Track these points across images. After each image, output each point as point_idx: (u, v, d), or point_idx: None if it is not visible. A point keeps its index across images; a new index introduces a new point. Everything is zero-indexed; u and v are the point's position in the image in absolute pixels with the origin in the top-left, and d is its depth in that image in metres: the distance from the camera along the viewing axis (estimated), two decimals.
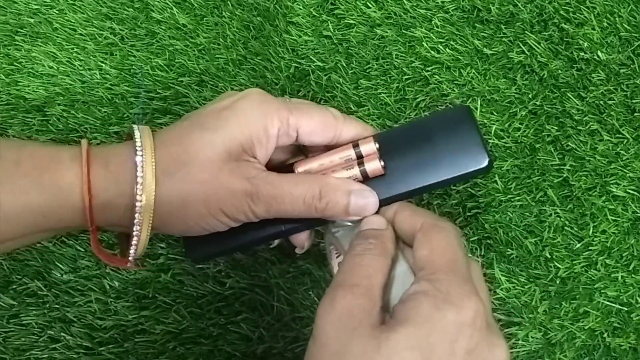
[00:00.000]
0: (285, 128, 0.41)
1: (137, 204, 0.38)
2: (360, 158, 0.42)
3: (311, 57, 0.51)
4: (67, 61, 0.53)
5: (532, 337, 0.44)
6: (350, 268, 0.37)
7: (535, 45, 0.48)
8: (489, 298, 0.39)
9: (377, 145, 0.42)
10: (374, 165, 0.41)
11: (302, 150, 0.45)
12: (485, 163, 0.39)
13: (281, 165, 0.44)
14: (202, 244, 0.43)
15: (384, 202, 0.41)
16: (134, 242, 0.39)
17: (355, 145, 0.42)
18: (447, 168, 0.40)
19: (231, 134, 0.39)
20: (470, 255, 0.46)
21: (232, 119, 0.40)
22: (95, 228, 0.38)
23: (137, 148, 0.38)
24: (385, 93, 0.49)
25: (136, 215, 0.38)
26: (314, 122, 0.41)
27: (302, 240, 0.44)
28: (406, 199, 0.41)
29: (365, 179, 0.41)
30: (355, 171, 0.41)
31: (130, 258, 0.40)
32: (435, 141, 0.40)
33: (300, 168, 0.42)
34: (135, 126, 0.40)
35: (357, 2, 0.51)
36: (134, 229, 0.38)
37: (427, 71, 0.49)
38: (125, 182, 0.38)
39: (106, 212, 0.38)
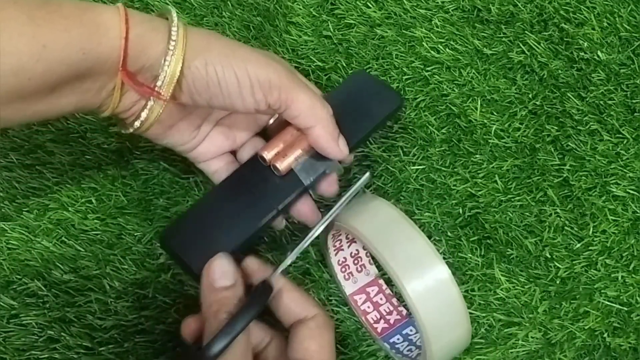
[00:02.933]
0: (273, 101, 0.42)
1: (173, 29, 0.38)
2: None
3: (311, 57, 0.51)
4: None
5: (532, 337, 0.44)
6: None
7: (535, 45, 0.48)
8: None
9: None
10: None
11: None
12: (400, 99, 0.45)
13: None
14: (202, 252, 0.41)
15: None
16: (167, 62, 0.38)
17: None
18: (375, 114, 0.45)
19: (269, 63, 0.40)
20: (470, 254, 0.46)
21: (253, 58, 0.41)
22: (127, 70, 0.38)
23: (173, 17, 0.39)
24: None
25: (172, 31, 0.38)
26: (303, 106, 0.42)
27: (307, 211, 0.44)
28: (354, 150, 0.44)
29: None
30: (305, 144, 0.43)
31: (159, 85, 0.39)
32: (355, 99, 0.45)
33: (266, 153, 0.43)
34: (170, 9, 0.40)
35: (357, 2, 0.51)
36: (169, 45, 0.38)
37: (427, 71, 0.49)
38: (161, 23, 0.39)
39: (141, 47, 0.38)
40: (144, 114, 0.40)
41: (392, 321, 0.46)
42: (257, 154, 0.43)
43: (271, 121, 0.46)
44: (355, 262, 0.47)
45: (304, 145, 0.42)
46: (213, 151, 0.45)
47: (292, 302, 0.40)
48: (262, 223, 0.42)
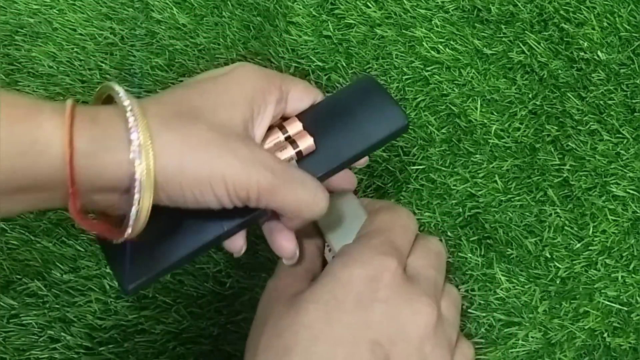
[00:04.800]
0: (280, 95, 0.39)
1: (133, 154, 0.32)
2: (288, 139, 0.40)
3: (311, 57, 0.51)
4: (67, 61, 0.53)
5: (532, 337, 0.44)
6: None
7: (535, 45, 0.48)
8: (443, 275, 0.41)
9: (302, 124, 0.40)
10: (307, 142, 0.39)
11: None
12: (403, 121, 0.40)
13: None
14: (135, 269, 0.37)
15: (321, 179, 0.39)
16: (134, 206, 0.33)
17: (281, 127, 0.40)
18: (372, 133, 0.40)
19: (234, 101, 0.36)
20: (470, 254, 0.46)
21: (234, 85, 0.37)
22: (76, 191, 0.32)
23: (125, 102, 0.33)
24: None
25: (136, 166, 0.32)
26: (299, 87, 0.40)
27: (238, 245, 0.40)
28: (340, 170, 0.40)
29: (300, 157, 0.39)
30: (290, 151, 0.39)
31: (129, 229, 0.34)
32: (353, 111, 0.40)
33: None
34: (111, 84, 0.34)
35: (357, 2, 0.51)
36: (135, 188, 0.32)
37: (427, 71, 0.49)
38: (117, 136, 0.32)
39: (92, 169, 0.32)
40: (128, 231, 0.34)
41: None
42: None
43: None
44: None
45: None
46: None
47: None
48: (199, 245, 0.38)
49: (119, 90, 0.34)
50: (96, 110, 0.33)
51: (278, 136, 0.40)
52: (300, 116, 0.41)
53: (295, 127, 0.40)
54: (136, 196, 0.32)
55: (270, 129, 0.39)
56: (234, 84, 0.37)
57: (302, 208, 0.36)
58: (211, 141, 0.34)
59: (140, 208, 0.33)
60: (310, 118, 0.41)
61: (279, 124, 0.40)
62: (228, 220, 0.38)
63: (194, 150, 0.33)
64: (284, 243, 0.39)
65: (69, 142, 0.31)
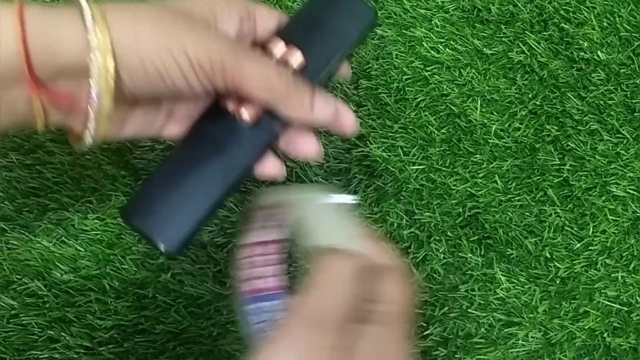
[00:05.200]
0: (245, 11, 0.37)
1: (88, 23, 0.30)
2: (277, 61, 0.39)
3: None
4: None
5: (532, 337, 0.44)
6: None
7: (535, 45, 0.48)
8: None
9: (282, 41, 0.39)
10: (298, 58, 0.39)
11: None
12: (372, 14, 0.41)
13: None
14: (171, 227, 0.36)
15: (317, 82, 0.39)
16: (93, 69, 0.31)
17: (263, 47, 0.39)
18: (347, 33, 0.40)
19: (193, 2, 0.35)
20: (470, 254, 0.46)
21: None
22: (32, 65, 0.30)
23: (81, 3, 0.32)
24: (385, 93, 0.49)
25: (91, 35, 0.30)
26: (264, 8, 0.39)
27: (272, 168, 0.38)
28: (330, 77, 0.40)
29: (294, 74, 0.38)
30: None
31: (93, 96, 0.32)
32: (324, 19, 0.40)
33: (228, 100, 0.38)
34: None
35: None
36: (92, 53, 0.30)
37: (427, 71, 0.49)
38: (69, 12, 0.31)
39: (47, 47, 0.31)
40: (90, 127, 0.33)
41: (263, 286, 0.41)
42: (218, 102, 0.38)
43: None
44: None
45: None
46: (187, 123, 0.39)
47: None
48: (232, 181, 0.37)
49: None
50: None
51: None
52: (278, 34, 0.40)
53: (279, 45, 0.39)
54: (95, 61, 0.31)
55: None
56: (192, 38, 0.34)
57: (271, 84, 0.35)
58: (164, 17, 0.33)
59: (102, 72, 0.31)
60: (288, 35, 0.40)
61: (262, 45, 0.39)
62: (243, 150, 0.37)
63: (147, 23, 0.32)
64: (305, 146, 0.38)
65: (20, 21, 0.29)
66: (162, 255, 0.37)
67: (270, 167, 0.38)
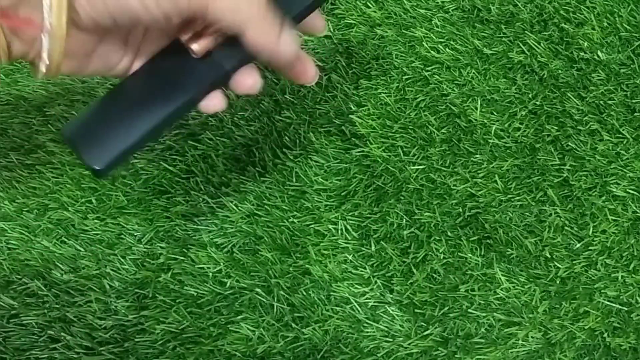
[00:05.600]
0: None
1: None
2: None
3: (311, 56, 0.51)
4: None
5: (532, 337, 0.44)
6: None
7: (535, 45, 0.48)
8: None
9: None
10: None
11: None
12: None
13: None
14: (103, 146, 0.36)
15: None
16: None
17: None
18: None
19: None
20: (470, 254, 0.46)
21: None
22: None
23: None
24: (385, 93, 0.49)
25: None
26: None
27: (215, 103, 0.37)
28: (301, 15, 0.38)
29: None
30: None
31: (46, 17, 0.31)
32: None
33: (182, 34, 0.37)
34: None
35: (357, 2, 0.51)
36: None
37: (427, 71, 0.49)
38: None
39: None
40: (44, 54, 0.33)
41: None
42: (177, 39, 0.37)
43: None
44: None
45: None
46: None
47: None
48: (171, 110, 0.36)
49: None
50: None
51: None
52: None
53: None
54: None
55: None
56: None
57: (241, 5, 0.33)
58: None
59: (52, 10, 0.31)
60: None
61: None
62: (188, 83, 0.37)
63: None
64: (248, 80, 0.37)
65: None
66: (91, 172, 0.36)
67: (215, 102, 0.37)
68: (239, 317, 0.47)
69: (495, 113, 0.48)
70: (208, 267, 0.48)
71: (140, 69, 0.38)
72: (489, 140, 0.47)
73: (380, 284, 0.47)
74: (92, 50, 0.36)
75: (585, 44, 0.47)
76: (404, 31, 0.50)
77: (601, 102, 0.47)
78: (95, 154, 0.36)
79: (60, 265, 0.48)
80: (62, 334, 0.46)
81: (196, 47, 0.36)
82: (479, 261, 0.46)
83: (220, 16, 0.33)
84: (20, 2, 0.31)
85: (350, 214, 0.48)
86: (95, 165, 0.35)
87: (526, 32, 0.48)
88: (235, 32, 0.34)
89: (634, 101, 0.47)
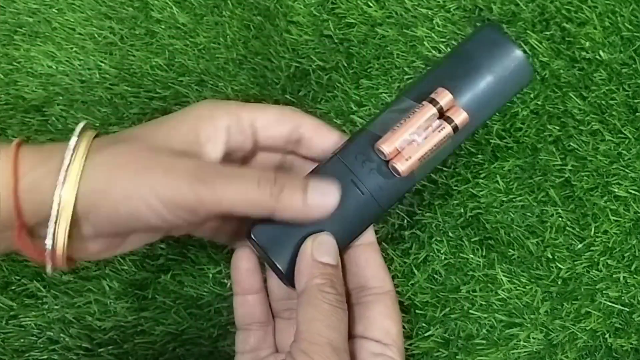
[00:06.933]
0: (236, 122, 0.38)
1: (60, 178, 0.33)
2: (441, 114, 0.38)
3: (312, 56, 0.50)
4: (66, 61, 0.52)
5: (533, 338, 0.44)
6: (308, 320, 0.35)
7: (537, 45, 0.48)
8: None
9: (451, 94, 0.38)
10: (462, 117, 0.38)
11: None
12: (531, 75, 0.40)
13: None
14: (291, 250, 0.38)
15: (461, 142, 0.41)
16: (50, 225, 0.33)
17: (431, 100, 0.38)
18: (504, 91, 0.40)
19: (175, 125, 0.36)
20: (471, 255, 0.46)
21: (179, 114, 0.37)
22: (22, 221, 0.33)
23: (73, 135, 0.35)
24: (386, 93, 0.49)
25: (57, 187, 0.33)
26: (268, 113, 0.39)
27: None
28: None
29: (455, 131, 0.38)
30: (448, 130, 0.38)
31: (47, 247, 0.34)
32: (483, 68, 0.39)
33: (384, 146, 0.38)
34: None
35: (358, 1, 0.51)
36: (53, 204, 0.33)
37: None
38: (56, 161, 0.34)
39: (33, 195, 0.33)
40: (49, 265, 0.35)
41: None
42: (375, 147, 0.38)
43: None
44: None
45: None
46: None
47: (370, 262, 0.37)
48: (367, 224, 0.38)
49: (78, 126, 0.35)
50: (45, 144, 0.35)
51: (432, 111, 0.38)
52: (440, 82, 0.39)
53: (447, 99, 0.38)
54: (50, 229, 0.33)
55: (422, 106, 0.38)
56: (180, 114, 0.37)
57: (252, 199, 0.35)
58: (138, 157, 0.34)
59: (56, 239, 0.33)
60: (450, 83, 0.39)
61: (429, 98, 0.38)
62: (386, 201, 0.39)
63: (120, 166, 0.34)
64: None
65: (14, 171, 0.32)
66: (279, 276, 0.39)
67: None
68: None
69: (496, 113, 0.47)
70: (208, 268, 0.48)
71: (329, 169, 0.39)
72: (491, 141, 0.47)
73: None
74: (121, 241, 0.38)
75: (587, 43, 0.47)
76: (405, 31, 0.50)
77: (603, 102, 0.47)
78: (281, 258, 0.37)
79: None
80: (61, 335, 0.46)
81: (402, 166, 0.37)
82: (480, 262, 0.46)
83: (234, 213, 0.35)
84: (44, 222, 0.33)
85: None
86: (282, 268, 0.37)
87: (528, 31, 0.48)
88: (264, 215, 0.36)
89: (635, 101, 0.46)
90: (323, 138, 0.40)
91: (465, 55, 0.40)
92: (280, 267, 0.37)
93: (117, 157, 0.34)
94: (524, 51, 0.45)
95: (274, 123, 0.39)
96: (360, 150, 0.39)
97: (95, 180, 0.34)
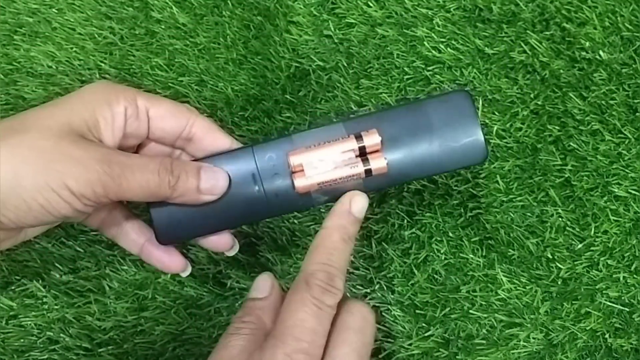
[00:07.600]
0: (133, 108, 0.40)
1: None
2: (363, 153, 0.39)
3: (312, 56, 0.50)
4: (67, 61, 0.52)
5: (533, 338, 0.44)
6: (219, 349, 0.37)
7: (537, 45, 0.48)
8: None
9: (380, 138, 0.39)
10: (380, 164, 0.39)
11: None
12: (483, 158, 0.39)
13: None
14: (172, 226, 0.41)
15: (374, 189, 0.40)
16: None
17: (358, 136, 0.39)
18: (445, 161, 0.39)
19: (73, 108, 0.37)
20: (471, 255, 0.46)
21: (75, 97, 0.39)
22: None
23: None
24: (386, 93, 0.49)
25: None
26: (164, 106, 0.41)
27: (225, 242, 0.43)
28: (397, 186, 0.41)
29: (368, 175, 0.39)
30: (359, 170, 0.39)
31: None
32: (434, 131, 0.39)
33: (292, 157, 0.39)
34: None
35: (358, 1, 0.51)
36: None
37: (429, 71, 0.49)
38: None
39: None
40: None
41: None
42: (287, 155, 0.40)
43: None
44: None
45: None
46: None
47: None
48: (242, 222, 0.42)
49: None
50: None
51: (352, 146, 0.39)
52: (378, 123, 0.39)
53: (373, 139, 0.39)
54: None
55: (347, 138, 0.39)
56: (75, 96, 0.39)
57: (152, 189, 0.37)
58: (43, 149, 0.35)
59: None
60: (388, 127, 0.39)
61: (357, 133, 0.39)
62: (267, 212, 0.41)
63: (26, 160, 0.34)
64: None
65: None
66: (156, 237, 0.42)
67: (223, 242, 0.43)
68: None
69: (496, 113, 0.47)
70: (208, 268, 0.48)
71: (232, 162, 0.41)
72: (491, 141, 0.47)
73: (381, 285, 0.47)
74: (22, 231, 0.40)
75: (587, 43, 0.47)
76: (405, 31, 0.50)
77: (603, 102, 0.47)
78: (162, 231, 0.41)
79: (60, 266, 0.48)
80: (61, 335, 0.46)
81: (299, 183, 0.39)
82: (480, 262, 0.46)
83: (137, 199, 0.38)
84: None
85: None
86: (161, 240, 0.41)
87: (528, 31, 0.48)
88: (162, 198, 0.39)
89: (635, 101, 0.46)
90: (214, 141, 0.42)
91: (423, 110, 0.40)
92: (155, 227, 0.41)
93: (23, 149, 0.35)
94: (486, 133, 0.43)
95: (167, 115, 0.41)
96: (275, 152, 0.40)
97: (2, 171, 0.34)
